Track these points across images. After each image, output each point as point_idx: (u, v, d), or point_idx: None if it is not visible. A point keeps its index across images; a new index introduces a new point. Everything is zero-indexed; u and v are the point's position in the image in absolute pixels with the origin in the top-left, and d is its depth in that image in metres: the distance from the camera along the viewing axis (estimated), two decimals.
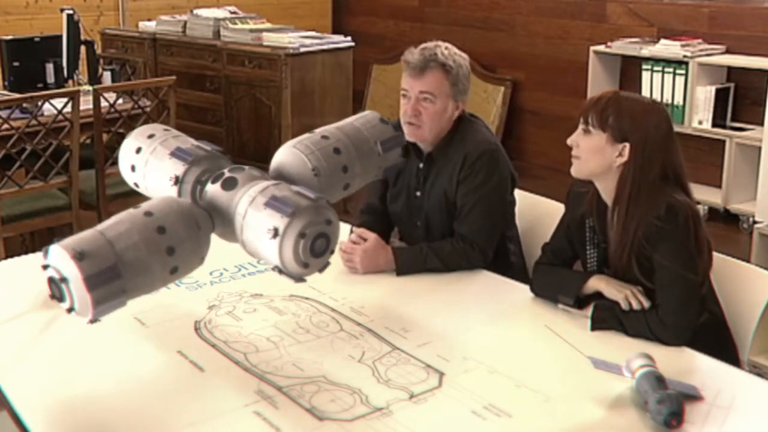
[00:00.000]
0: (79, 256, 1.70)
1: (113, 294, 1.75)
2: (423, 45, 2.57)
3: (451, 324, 2.19)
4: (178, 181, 2.01)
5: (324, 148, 2.08)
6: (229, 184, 1.95)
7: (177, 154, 2.05)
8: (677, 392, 1.75)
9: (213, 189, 1.96)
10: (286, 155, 2.08)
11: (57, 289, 1.75)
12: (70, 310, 1.75)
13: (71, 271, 1.71)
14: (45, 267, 1.76)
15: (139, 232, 1.78)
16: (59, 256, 1.73)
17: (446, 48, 2.57)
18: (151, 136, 2.12)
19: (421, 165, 2.65)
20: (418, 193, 2.66)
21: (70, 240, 1.76)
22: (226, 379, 1.92)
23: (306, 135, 2.14)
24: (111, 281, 1.73)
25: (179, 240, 1.83)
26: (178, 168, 2.02)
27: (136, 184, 2.17)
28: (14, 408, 1.80)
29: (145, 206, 1.86)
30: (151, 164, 2.08)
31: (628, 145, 2.12)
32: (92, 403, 1.84)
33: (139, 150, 2.11)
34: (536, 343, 2.12)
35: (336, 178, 2.09)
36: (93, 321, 1.76)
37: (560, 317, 2.22)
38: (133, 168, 2.13)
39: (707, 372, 1.98)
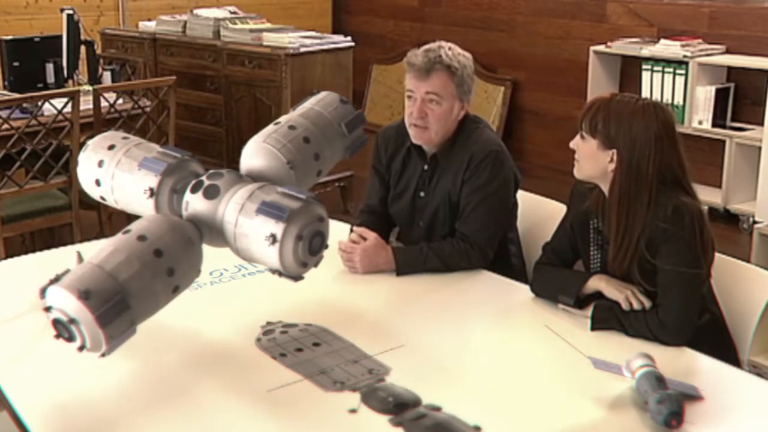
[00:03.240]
0: (85, 296, 1.68)
1: (124, 325, 1.74)
2: (426, 46, 2.56)
3: (451, 324, 2.19)
4: (153, 193, 1.99)
5: (294, 139, 2.08)
6: (212, 193, 1.93)
7: (146, 165, 2.00)
8: (677, 392, 1.75)
9: (195, 199, 1.93)
10: (257, 151, 2.07)
11: (65, 330, 1.72)
12: (82, 348, 1.73)
13: (80, 312, 1.69)
14: (47, 309, 1.73)
15: (138, 260, 1.76)
16: (63, 298, 1.70)
17: (450, 48, 2.56)
18: (111, 147, 2.07)
19: (425, 167, 2.65)
20: (422, 194, 2.66)
21: (71, 279, 1.72)
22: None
23: (272, 127, 2.13)
24: (121, 314, 1.72)
25: (177, 260, 1.82)
26: (150, 180, 1.99)
27: (102, 198, 2.12)
28: (14, 408, 1.79)
29: (135, 230, 1.83)
30: (119, 178, 2.04)
31: (615, 151, 2.12)
32: (92, 403, 1.84)
33: (101, 163, 2.07)
34: (536, 343, 2.12)
35: (309, 166, 2.10)
36: (105, 355, 1.75)
37: (560, 317, 2.22)
38: (97, 182, 2.09)
39: (707, 372, 1.98)
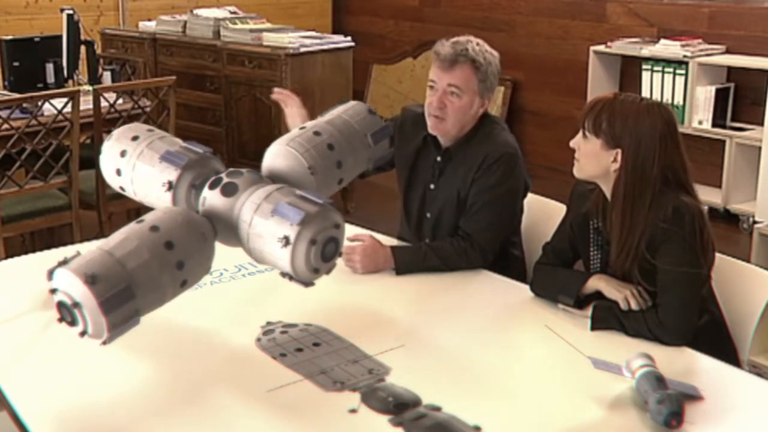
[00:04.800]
0: (92, 280, 1.67)
1: (128, 315, 1.73)
2: (455, 38, 2.56)
3: (451, 324, 2.19)
4: (171, 186, 1.99)
5: (318, 145, 2.07)
6: (229, 190, 1.92)
7: (167, 158, 2.00)
8: (677, 392, 1.75)
9: (212, 195, 1.93)
10: (279, 154, 2.06)
11: (68, 313, 1.71)
12: (83, 333, 1.73)
13: (84, 296, 1.67)
14: (53, 291, 1.72)
15: (149, 250, 1.75)
16: (69, 281, 1.69)
17: (477, 44, 2.56)
18: (135, 138, 2.07)
19: (438, 158, 2.65)
20: (432, 186, 2.66)
21: (79, 263, 1.71)
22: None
23: (297, 131, 2.13)
24: (125, 302, 1.71)
25: (188, 254, 1.81)
26: (170, 173, 1.99)
27: (121, 188, 2.12)
28: (14, 408, 1.79)
29: (149, 220, 1.82)
30: (140, 169, 2.04)
31: (620, 151, 2.12)
32: (92, 403, 1.84)
33: (123, 153, 2.06)
34: (536, 343, 2.12)
35: (331, 174, 2.09)
36: (106, 343, 1.75)
37: (560, 317, 2.22)
38: (118, 172, 2.09)
39: (707, 372, 1.98)
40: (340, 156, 2.10)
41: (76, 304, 1.69)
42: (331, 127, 2.13)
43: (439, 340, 2.10)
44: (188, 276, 1.83)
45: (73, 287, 1.68)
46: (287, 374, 1.91)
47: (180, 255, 1.79)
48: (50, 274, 1.73)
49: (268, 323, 2.14)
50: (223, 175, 1.97)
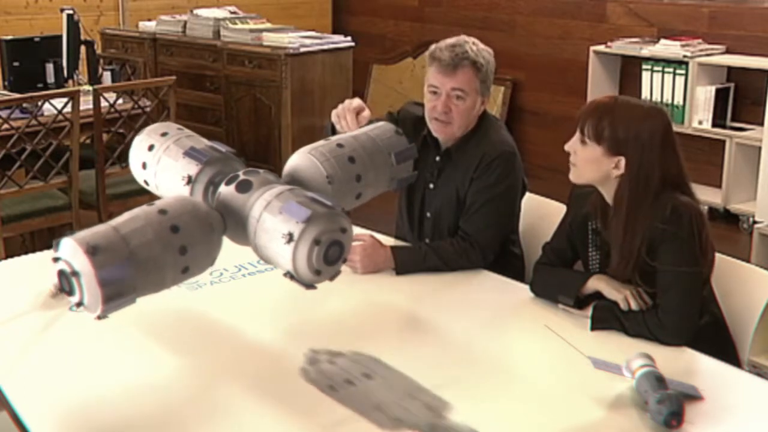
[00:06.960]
0: (93, 251, 1.69)
1: (124, 291, 1.74)
2: (451, 41, 2.56)
3: (450, 324, 2.19)
4: (190, 181, 2.01)
5: (339, 156, 2.09)
6: (244, 187, 1.94)
7: (191, 153, 2.04)
8: (677, 392, 1.75)
9: (227, 191, 1.95)
10: (300, 161, 2.08)
11: (67, 282, 1.74)
12: (80, 304, 1.74)
13: (83, 266, 1.69)
14: (56, 259, 1.75)
15: (153, 230, 1.77)
16: (71, 250, 1.71)
17: (474, 44, 2.57)
18: (164, 134, 2.11)
19: (437, 158, 2.65)
20: (431, 186, 2.67)
21: (84, 234, 1.74)
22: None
23: (321, 142, 2.15)
24: (123, 278, 1.73)
25: (192, 240, 1.82)
26: (191, 168, 2.02)
27: (146, 182, 2.16)
28: (14, 408, 1.79)
29: (159, 204, 1.85)
30: (164, 162, 2.07)
31: (623, 158, 2.11)
32: (92, 403, 1.84)
33: (151, 147, 2.10)
34: (536, 343, 2.12)
35: (349, 186, 2.09)
36: (101, 317, 1.76)
37: (560, 317, 2.22)
38: (144, 165, 2.13)
39: (707, 372, 1.98)
40: (361, 170, 2.11)
41: (75, 273, 1.71)
42: (355, 141, 2.15)
43: (438, 340, 2.10)
44: (191, 263, 1.84)
45: (74, 256, 1.71)
46: (338, 409, 1.80)
47: (184, 240, 1.81)
48: (57, 244, 1.75)
49: (311, 350, 2.05)
50: (240, 173, 1.99)
